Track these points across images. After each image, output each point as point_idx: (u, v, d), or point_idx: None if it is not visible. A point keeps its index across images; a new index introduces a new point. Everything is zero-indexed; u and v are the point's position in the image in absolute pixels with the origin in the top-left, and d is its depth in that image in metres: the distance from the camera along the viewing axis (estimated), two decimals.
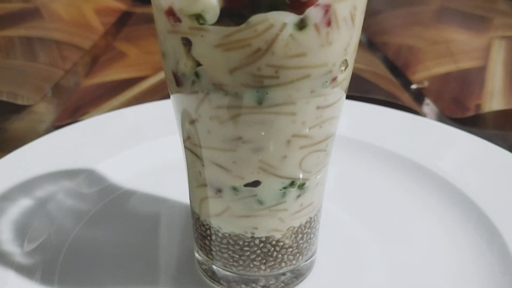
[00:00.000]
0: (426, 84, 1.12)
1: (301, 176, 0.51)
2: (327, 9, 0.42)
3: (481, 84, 1.08)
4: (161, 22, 0.46)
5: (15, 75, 1.16)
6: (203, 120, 0.47)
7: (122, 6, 1.64)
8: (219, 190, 0.51)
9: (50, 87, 1.14)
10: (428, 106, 1.04)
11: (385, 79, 1.14)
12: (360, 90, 1.02)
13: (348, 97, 0.56)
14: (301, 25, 0.41)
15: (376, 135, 0.83)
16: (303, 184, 0.52)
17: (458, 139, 0.81)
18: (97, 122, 0.85)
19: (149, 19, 1.58)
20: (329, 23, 0.43)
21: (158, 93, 1.07)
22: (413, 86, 1.13)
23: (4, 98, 1.06)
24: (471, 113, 1.00)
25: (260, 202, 0.51)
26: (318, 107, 0.47)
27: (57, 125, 0.97)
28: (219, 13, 0.41)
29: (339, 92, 0.48)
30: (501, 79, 1.09)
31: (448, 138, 0.82)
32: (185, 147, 0.53)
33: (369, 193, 0.74)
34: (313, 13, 0.41)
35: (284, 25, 0.41)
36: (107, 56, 1.29)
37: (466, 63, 1.17)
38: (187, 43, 0.44)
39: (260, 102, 0.45)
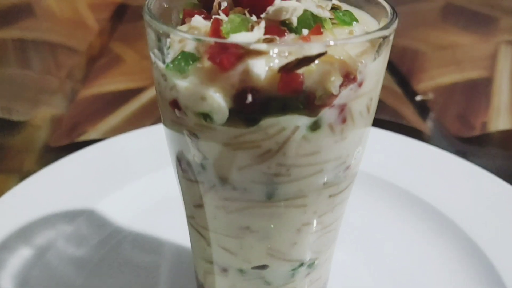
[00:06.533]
0: (431, 96, 1.09)
1: (311, 257, 0.49)
2: (342, 108, 0.39)
3: (487, 98, 1.06)
4: (165, 110, 0.43)
5: (9, 87, 1.12)
6: (208, 206, 0.45)
7: None
8: (224, 270, 0.50)
9: (46, 99, 1.11)
10: (433, 124, 1.02)
11: (389, 90, 1.11)
12: None
13: None
14: (315, 127, 0.39)
15: (384, 168, 0.81)
16: (313, 263, 0.50)
17: (468, 173, 0.78)
18: (93, 152, 0.83)
19: None
20: (344, 121, 0.40)
21: (156, 109, 1.04)
22: (418, 98, 1.10)
23: None
24: (477, 131, 0.98)
25: (268, 283, 0.49)
26: (330, 196, 0.45)
27: (54, 146, 0.95)
28: (228, 114, 0.38)
29: (352, 176, 0.46)
30: (508, 93, 1.06)
31: (457, 172, 0.79)
32: (189, 222, 0.51)
33: (373, 232, 0.72)
34: (328, 114, 0.39)
35: (296, 127, 0.39)
36: (103, 60, 1.25)
37: (471, 73, 1.14)
38: (193, 136, 0.41)
39: (269, 197, 0.42)
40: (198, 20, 0.41)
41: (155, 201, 0.77)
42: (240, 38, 0.36)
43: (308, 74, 0.37)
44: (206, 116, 0.39)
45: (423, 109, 1.07)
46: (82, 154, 0.82)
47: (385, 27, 0.39)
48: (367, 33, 0.37)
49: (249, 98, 0.37)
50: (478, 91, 1.09)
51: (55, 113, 1.06)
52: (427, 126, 1.01)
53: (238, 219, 0.44)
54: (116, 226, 0.73)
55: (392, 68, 1.22)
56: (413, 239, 0.71)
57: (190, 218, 0.50)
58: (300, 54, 0.35)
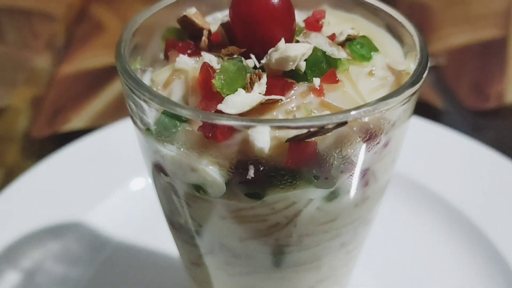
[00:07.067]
0: (442, 62, 1.01)
1: None
2: (364, 173, 0.32)
3: (502, 63, 0.97)
4: (150, 170, 0.36)
5: None
6: (208, 267, 0.39)
7: None
8: None
9: (23, 77, 1.02)
10: (446, 96, 0.94)
11: None
12: None
13: None
14: (332, 197, 0.32)
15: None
16: None
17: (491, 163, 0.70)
18: (77, 151, 0.74)
19: None
20: (366, 184, 0.33)
21: None
22: (429, 64, 1.01)
23: None
24: (492, 102, 0.91)
25: None
26: (348, 252, 0.39)
27: (37, 137, 0.87)
28: (226, 187, 0.31)
29: (371, 226, 0.40)
30: None
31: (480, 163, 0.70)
32: (187, 271, 0.45)
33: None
34: (347, 182, 0.32)
35: (309, 200, 0.32)
36: (83, 28, 1.15)
37: (485, 32, 1.05)
38: (185, 203, 0.35)
39: (278, 264, 0.36)
40: (184, 61, 0.33)
41: (147, 208, 0.70)
42: (236, 102, 0.29)
43: (322, 140, 0.29)
44: (198, 188, 0.32)
45: (435, 77, 0.99)
46: (65, 154, 0.75)
47: (416, 80, 0.31)
48: (395, 92, 0.29)
49: (251, 172, 0.30)
50: (492, 54, 1.00)
51: (35, 94, 0.97)
52: (439, 98, 0.94)
53: (242, 282, 0.39)
54: (106, 239, 0.67)
55: None
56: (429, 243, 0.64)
57: (188, 269, 0.44)
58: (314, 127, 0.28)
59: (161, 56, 0.38)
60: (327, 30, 0.36)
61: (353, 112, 0.28)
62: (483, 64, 0.99)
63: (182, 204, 0.34)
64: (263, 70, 0.31)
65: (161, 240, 0.65)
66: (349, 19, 0.39)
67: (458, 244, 0.62)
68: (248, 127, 0.27)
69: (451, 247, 0.61)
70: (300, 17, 0.39)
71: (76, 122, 0.91)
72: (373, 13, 0.39)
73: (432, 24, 1.10)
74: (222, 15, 0.41)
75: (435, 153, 0.74)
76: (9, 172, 0.81)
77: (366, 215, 0.36)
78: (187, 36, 0.36)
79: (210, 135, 0.29)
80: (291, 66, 0.30)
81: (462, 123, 0.87)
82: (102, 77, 1.03)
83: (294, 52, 0.30)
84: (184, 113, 0.28)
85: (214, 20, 0.41)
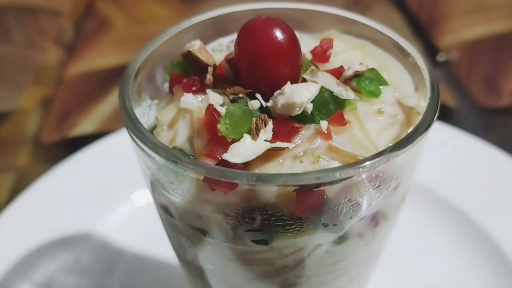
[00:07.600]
0: (454, 56, 0.99)
1: None
2: (374, 216, 0.32)
3: None
4: (156, 209, 0.36)
5: None
6: None
7: None
8: None
9: (31, 77, 1.02)
10: (458, 93, 0.92)
11: None
12: None
13: None
14: (341, 240, 0.32)
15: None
16: None
17: None
18: (86, 159, 0.74)
19: None
20: (376, 224, 0.33)
21: None
22: (440, 58, 0.99)
23: None
24: (505, 99, 0.89)
25: None
26: (358, 284, 0.38)
27: (46, 142, 0.87)
28: (233, 233, 0.31)
29: (381, 256, 0.39)
30: None
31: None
32: None
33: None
34: (356, 226, 0.31)
35: (318, 245, 0.31)
36: (90, 25, 1.14)
37: (498, 23, 1.03)
38: (191, 243, 0.34)
39: None
40: (189, 101, 0.33)
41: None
42: (242, 151, 0.28)
43: (330, 188, 0.29)
44: (205, 232, 0.32)
45: (447, 72, 0.97)
46: (74, 163, 0.74)
47: (428, 125, 0.30)
48: (406, 140, 0.28)
49: (257, 221, 0.29)
50: (505, 47, 0.98)
51: (44, 94, 0.97)
52: (451, 95, 0.92)
53: None
54: (116, 251, 0.67)
55: (410, 18, 1.10)
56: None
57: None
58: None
59: (165, 86, 0.37)
60: (334, 61, 0.36)
61: (361, 165, 0.27)
62: (495, 58, 0.97)
63: (189, 244, 0.34)
64: (269, 111, 0.31)
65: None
66: (358, 45, 0.38)
67: (468, 250, 0.60)
68: (254, 185, 0.27)
69: (462, 253, 0.59)
70: (308, 42, 0.38)
71: (84, 125, 0.90)
72: (382, 39, 0.38)
73: (444, 15, 1.08)
74: (227, 41, 0.40)
75: (445, 156, 0.72)
76: (21, 176, 0.81)
77: (376, 250, 0.35)
78: (192, 69, 0.36)
79: (215, 187, 0.28)
80: (297, 112, 0.29)
81: (475, 121, 0.86)
82: (110, 78, 1.02)
83: (301, 98, 0.29)
84: (189, 167, 0.28)
85: (219, 46, 0.40)
